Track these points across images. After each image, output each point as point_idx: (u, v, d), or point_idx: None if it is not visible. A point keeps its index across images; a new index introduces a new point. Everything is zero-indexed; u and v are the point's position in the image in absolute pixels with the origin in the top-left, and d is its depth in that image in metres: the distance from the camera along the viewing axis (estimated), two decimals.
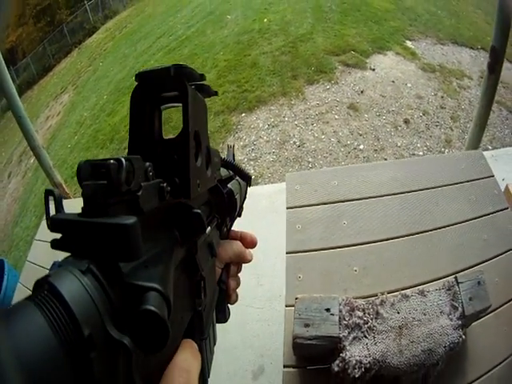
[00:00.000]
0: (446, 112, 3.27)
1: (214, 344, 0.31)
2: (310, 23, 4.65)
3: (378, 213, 0.90)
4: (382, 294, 0.66)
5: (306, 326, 0.60)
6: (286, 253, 0.85)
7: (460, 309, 0.60)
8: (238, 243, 0.34)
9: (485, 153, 1.10)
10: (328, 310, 0.61)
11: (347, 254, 0.82)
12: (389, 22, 4.58)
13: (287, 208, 0.95)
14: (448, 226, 0.86)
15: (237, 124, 3.23)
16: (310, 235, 0.87)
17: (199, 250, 0.23)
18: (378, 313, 0.61)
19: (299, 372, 0.65)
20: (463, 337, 0.59)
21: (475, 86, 3.60)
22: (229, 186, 0.32)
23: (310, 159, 2.77)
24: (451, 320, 0.60)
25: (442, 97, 3.43)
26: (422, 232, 0.85)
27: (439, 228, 0.86)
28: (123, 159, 0.15)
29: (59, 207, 0.16)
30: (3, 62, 1.49)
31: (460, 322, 0.59)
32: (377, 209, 0.91)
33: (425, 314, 0.61)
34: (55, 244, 0.15)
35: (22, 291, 1.39)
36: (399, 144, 2.90)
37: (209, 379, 0.27)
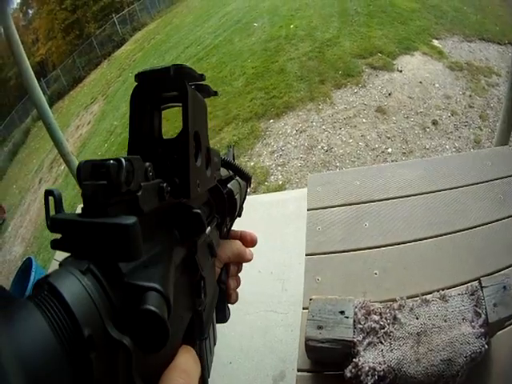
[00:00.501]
0: (474, 111, 3.19)
1: (214, 344, 0.31)
2: (336, 27, 4.68)
3: (402, 214, 0.87)
4: (401, 298, 0.63)
5: (319, 328, 0.58)
6: (306, 255, 0.84)
7: (483, 315, 0.56)
8: (238, 243, 0.34)
9: None
10: (342, 312, 0.59)
11: (368, 256, 0.80)
12: (415, 22, 4.51)
13: (308, 210, 0.94)
14: (475, 227, 0.82)
15: (265, 130, 3.34)
16: (330, 237, 0.85)
17: (199, 250, 0.24)
18: (395, 318, 0.58)
19: (313, 376, 0.63)
20: (486, 346, 0.55)
21: (503, 83, 3.47)
22: (229, 185, 0.32)
23: (337, 164, 2.81)
24: (474, 328, 0.56)
25: (470, 96, 3.35)
26: (447, 234, 0.81)
27: (465, 229, 0.82)
28: (123, 159, 0.15)
29: (59, 207, 0.17)
30: (32, 72, 1.59)
31: (483, 330, 0.55)
32: (401, 209, 0.88)
33: (445, 321, 0.57)
34: (55, 244, 0.15)
35: None
36: (428, 146, 2.87)
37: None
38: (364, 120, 3.13)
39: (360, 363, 0.54)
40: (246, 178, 0.38)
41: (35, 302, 0.12)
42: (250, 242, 0.36)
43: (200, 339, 0.25)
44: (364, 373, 0.53)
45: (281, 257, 1.86)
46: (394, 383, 0.54)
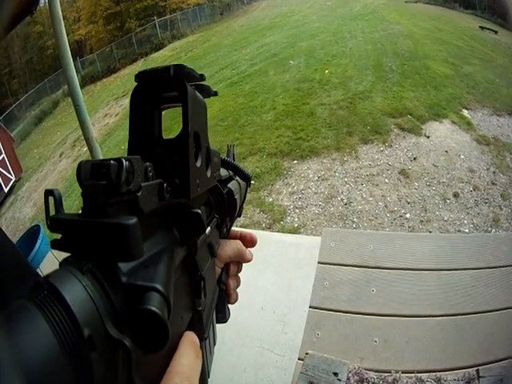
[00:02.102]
0: (496, 189, 3.25)
1: (214, 344, 0.31)
2: (369, 81, 4.90)
3: (411, 286, 0.88)
4: (397, 372, 0.62)
5: (311, 383, 0.59)
6: (310, 307, 0.86)
7: None
8: (239, 242, 0.34)
9: None
10: (336, 374, 0.60)
11: (370, 322, 0.80)
12: (447, 89, 4.69)
13: (319, 263, 0.97)
14: (481, 312, 0.83)
15: (287, 170, 3.44)
16: (336, 295, 0.86)
17: (199, 250, 0.24)
18: None
19: None
20: None
21: None
22: (229, 185, 0.32)
23: (355, 219, 2.87)
24: None
25: (494, 172, 3.42)
26: (453, 315, 0.82)
27: (471, 313, 0.82)
28: (123, 159, 0.15)
29: (59, 207, 0.17)
30: (69, 50, 1.60)
31: None
32: (410, 282, 0.89)
33: None
34: (55, 244, 0.15)
35: (51, 260, 1.42)
36: (446, 218, 2.92)
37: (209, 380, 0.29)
38: (386, 180, 3.21)
39: None
40: (246, 178, 0.38)
41: (35, 303, 0.12)
42: (249, 241, 0.36)
43: (200, 339, 0.24)
44: None
45: (286, 299, 1.86)
46: None
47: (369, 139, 3.68)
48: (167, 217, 0.21)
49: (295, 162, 3.54)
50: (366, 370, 0.62)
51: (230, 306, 0.35)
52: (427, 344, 0.76)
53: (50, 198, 0.17)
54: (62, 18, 1.63)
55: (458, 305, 0.85)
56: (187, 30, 14.77)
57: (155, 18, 14.47)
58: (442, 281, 0.90)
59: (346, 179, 3.22)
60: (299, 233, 2.78)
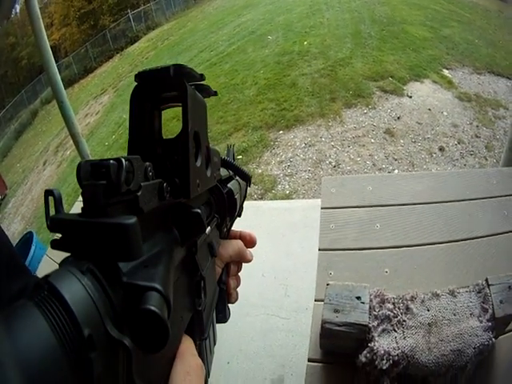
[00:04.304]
0: (480, 141, 3.33)
1: (214, 344, 0.31)
2: (349, 48, 4.85)
3: (412, 219, 0.91)
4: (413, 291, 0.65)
5: (336, 311, 0.60)
6: (319, 249, 0.87)
7: (490, 311, 0.59)
8: (239, 242, 0.34)
9: None
10: (359, 298, 0.62)
11: (379, 255, 0.83)
12: (426, 51, 4.70)
13: (322, 208, 0.98)
14: (482, 236, 0.86)
15: (274, 140, 3.41)
16: (343, 235, 0.89)
17: (199, 250, 0.24)
18: (407, 308, 0.62)
19: (323, 367, 0.64)
20: (493, 340, 0.58)
21: (511, 117, 3.66)
22: (229, 185, 0.32)
23: None
24: (481, 322, 0.59)
25: (477, 126, 3.50)
26: (456, 241, 0.86)
27: (473, 238, 0.86)
28: (123, 159, 0.15)
29: (59, 207, 0.17)
30: (49, 48, 1.58)
31: (490, 324, 0.58)
32: (411, 216, 0.92)
33: (454, 314, 0.61)
34: (55, 244, 0.15)
35: (48, 263, 1.43)
36: (433, 171, 2.97)
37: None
38: (372, 140, 3.22)
39: (375, 348, 0.55)
40: (246, 178, 0.38)
41: (35, 302, 0.12)
42: (249, 241, 0.36)
43: (200, 339, 0.25)
44: (379, 357, 0.55)
45: (285, 263, 1.89)
46: (407, 370, 0.56)
47: (352, 103, 3.66)
48: (167, 216, 0.21)
49: (281, 132, 3.51)
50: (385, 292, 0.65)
51: (230, 305, 0.35)
52: (435, 268, 0.80)
53: (50, 198, 0.17)
54: (39, 15, 1.58)
55: (458, 231, 0.88)
56: (162, 19, 14.36)
57: (129, 11, 14.05)
58: (441, 212, 0.93)
59: (332, 143, 3.22)
60: (291, 198, 2.79)
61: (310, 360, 0.66)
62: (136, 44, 12.54)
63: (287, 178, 2.95)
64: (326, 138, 3.29)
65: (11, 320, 0.12)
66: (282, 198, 2.76)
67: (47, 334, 0.12)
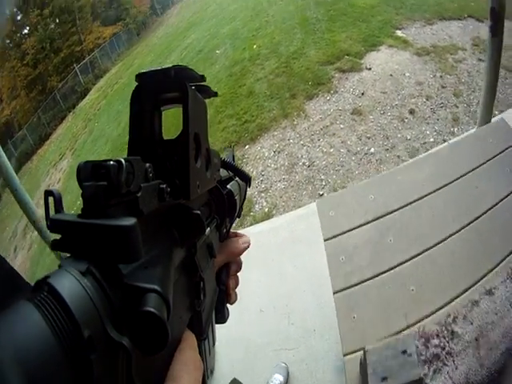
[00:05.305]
0: (447, 90, 3.52)
1: (214, 344, 0.34)
2: (299, 39, 5.15)
3: (424, 216, 0.92)
4: (452, 301, 0.67)
5: (384, 379, 0.60)
6: (334, 292, 0.86)
7: None
8: (239, 240, 0.37)
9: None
10: (404, 352, 0.62)
11: (400, 273, 0.83)
12: (376, 17, 5.01)
13: (325, 240, 0.96)
14: (493, 206, 0.89)
15: (241, 158, 3.56)
16: (356, 265, 0.87)
17: (199, 251, 0.26)
18: (453, 332, 0.65)
19: None
20: None
21: (470, 56, 3.91)
22: (228, 186, 0.35)
23: (322, 177, 2.98)
24: None
25: (441, 76, 3.71)
26: (470, 222, 0.87)
27: (486, 212, 0.88)
28: (123, 160, 0.17)
29: (59, 207, 0.18)
30: None
31: None
32: (422, 212, 0.93)
33: (496, 314, 0.64)
34: (55, 245, 0.17)
35: None
36: (409, 137, 3.10)
37: None
38: (341, 126, 3.37)
39: None
40: (246, 179, 0.42)
41: (35, 303, 0.13)
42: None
43: (199, 339, 0.26)
44: None
45: (281, 289, 1.91)
46: None
47: (313, 94, 3.85)
48: (167, 218, 0.23)
49: (247, 147, 3.67)
50: (416, 322, 0.67)
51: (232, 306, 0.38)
52: (460, 263, 0.81)
53: (50, 199, 0.19)
54: None
55: (471, 210, 0.90)
56: (108, 64, 15.10)
57: (75, 65, 14.79)
58: (449, 196, 0.95)
59: (301, 142, 3.36)
60: (272, 216, 2.86)
61: None
62: (87, 97, 13.11)
63: (263, 195, 3.06)
64: (293, 138, 3.44)
65: (10, 321, 0.13)
66: (263, 218, 2.82)
67: (47, 335, 0.13)
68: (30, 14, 14.86)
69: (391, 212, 0.96)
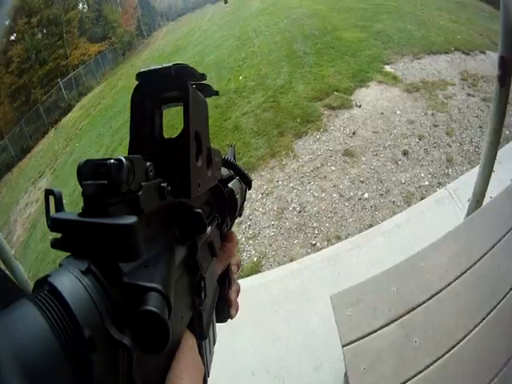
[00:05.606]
0: (439, 129, 3.51)
1: (214, 344, 0.34)
2: (287, 72, 5.12)
3: (450, 308, 0.86)
4: None
5: None
6: None
7: None
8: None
9: None
10: None
11: (429, 377, 0.76)
12: (364, 52, 5.09)
13: (343, 346, 0.87)
14: None
15: None
16: (379, 375, 0.79)
17: (200, 250, 0.26)
18: None
19: None
20: None
21: (459, 91, 3.97)
22: (229, 185, 0.35)
23: (314, 224, 2.82)
24: None
25: (433, 114, 3.71)
26: (495, 307, 0.83)
27: (507, 293, 0.84)
28: (124, 159, 0.17)
29: (59, 206, 0.18)
30: None
31: None
32: (447, 303, 0.87)
33: None
34: (55, 243, 0.17)
35: None
36: (403, 180, 3.02)
37: None
38: (333, 168, 3.25)
39: None
40: (246, 180, 0.42)
41: (35, 302, 0.13)
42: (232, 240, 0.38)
43: (200, 339, 0.26)
44: None
45: (275, 351, 1.80)
46: None
47: (302, 132, 3.75)
48: (168, 216, 0.23)
49: None
50: None
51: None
52: (488, 353, 0.77)
53: (51, 198, 0.19)
54: None
55: (495, 293, 0.85)
56: (93, 82, 15.13)
57: (59, 80, 14.89)
58: (473, 279, 0.91)
59: (291, 184, 3.21)
60: (261, 265, 2.68)
61: None
62: (69, 114, 13.12)
63: (251, 242, 2.86)
64: (282, 180, 3.29)
65: (10, 320, 0.12)
66: (251, 268, 2.64)
67: (47, 334, 0.13)
68: (18, 21, 14.91)
69: (416, 307, 0.88)
